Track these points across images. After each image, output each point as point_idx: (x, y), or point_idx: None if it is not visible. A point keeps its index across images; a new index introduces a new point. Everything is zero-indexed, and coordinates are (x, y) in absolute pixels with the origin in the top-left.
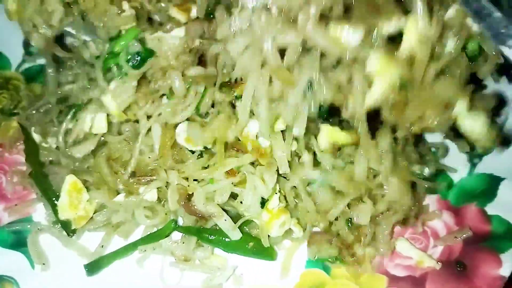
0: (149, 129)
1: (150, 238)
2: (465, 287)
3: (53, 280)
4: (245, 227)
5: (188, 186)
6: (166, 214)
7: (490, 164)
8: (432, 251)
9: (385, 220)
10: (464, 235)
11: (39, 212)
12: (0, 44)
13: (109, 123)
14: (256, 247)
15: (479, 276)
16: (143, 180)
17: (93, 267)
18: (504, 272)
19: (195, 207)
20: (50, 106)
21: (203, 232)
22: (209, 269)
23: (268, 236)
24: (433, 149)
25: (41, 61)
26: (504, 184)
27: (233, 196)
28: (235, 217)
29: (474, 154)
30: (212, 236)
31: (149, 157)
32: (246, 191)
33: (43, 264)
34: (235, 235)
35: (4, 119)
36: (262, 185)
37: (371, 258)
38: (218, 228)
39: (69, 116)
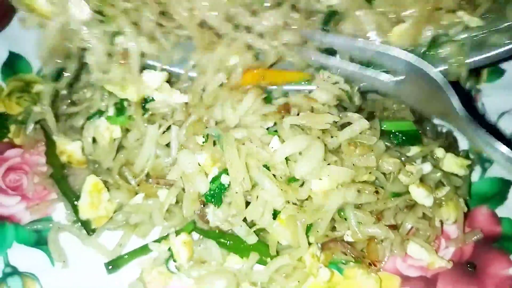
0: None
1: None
2: (475, 287)
3: (72, 277)
4: (261, 233)
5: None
6: (183, 216)
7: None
8: (444, 252)
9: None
10: (475, 237)
11: (59, 212)
12: (21, 48)
13: (127, 129)
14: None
15: (489, 276)
16: (161, 183)
17: (113, 266)
18: None
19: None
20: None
21: (221, 237)
22: (225, 272)
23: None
24: None
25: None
26: None
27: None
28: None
29: (485, 159)
30: (230, 242)
31: (166, 161)
32: (256, 204)
33: (63, 261)
34: (251, 239)
35: (26, 121)
36: (274, 198)
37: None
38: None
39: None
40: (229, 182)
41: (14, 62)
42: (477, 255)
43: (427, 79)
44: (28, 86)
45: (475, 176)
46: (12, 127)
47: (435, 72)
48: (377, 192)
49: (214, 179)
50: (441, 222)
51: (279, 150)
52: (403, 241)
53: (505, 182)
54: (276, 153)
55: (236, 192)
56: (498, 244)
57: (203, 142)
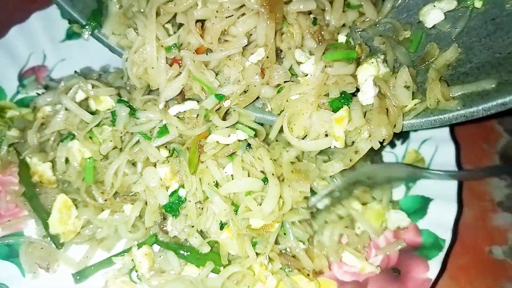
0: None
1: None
2: None
3: (42, 287)
4: (215, 245)
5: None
6: (146, 229)
7: (422, 187)
8: (374, 259)
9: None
10: (400, 246)
11: (30, 228)
12: None
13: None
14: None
15: (411, 279)
16: (128, 199)
17: (80, 276)
18: (431, 275)
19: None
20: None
21: (179, 249)
22: (182, 280)
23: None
24: None
25: (33, 93)
26: (432, 204)
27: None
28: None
29: (409, 180)
30: (187, 253)
31: (132, 179)
32: (206, 215)
33: (34, 272)
34: (204, 249)
35: None
36: (221, 210)
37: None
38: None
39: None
40: (186, 196)
41: None
42: (401, 262)
43: None
44: (2, 112)
45: (400, 194)
46: None
47: None
48: (312, 213)
49: (173, 193)
50: None
51: (226, 186)
52: (337, 249)
53: (425, 199)
54: (223, 186)
55: (189, 201)
56: (418, 252)
57: (167, 157)
